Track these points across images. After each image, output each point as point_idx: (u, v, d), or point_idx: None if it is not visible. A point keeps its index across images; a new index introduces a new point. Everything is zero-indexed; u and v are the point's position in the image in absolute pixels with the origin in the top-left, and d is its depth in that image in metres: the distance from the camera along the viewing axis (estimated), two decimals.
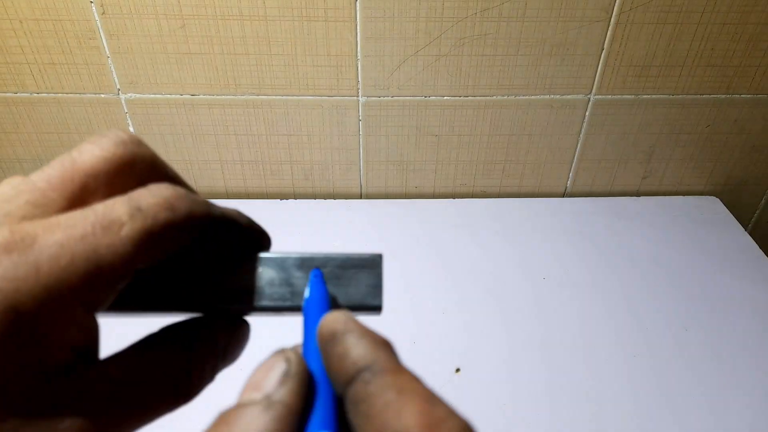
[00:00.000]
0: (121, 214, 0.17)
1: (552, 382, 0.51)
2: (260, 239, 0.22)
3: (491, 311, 0.58)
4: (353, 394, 0.16)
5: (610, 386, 0.51)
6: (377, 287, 0.22)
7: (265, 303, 0.21)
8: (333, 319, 0.18)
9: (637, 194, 0.76)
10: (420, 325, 0.56)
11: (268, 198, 0.75)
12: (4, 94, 0.66)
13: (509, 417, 0.48)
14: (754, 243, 0.67)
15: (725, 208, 0.73)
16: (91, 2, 0.59)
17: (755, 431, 0.47)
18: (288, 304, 0.21)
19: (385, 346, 0.17)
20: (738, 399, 0.50)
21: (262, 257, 0.21)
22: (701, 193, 0.76)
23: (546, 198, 0.74)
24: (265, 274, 0.21)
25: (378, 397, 0.15)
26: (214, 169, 0.72)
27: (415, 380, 0.16)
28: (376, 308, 0.22)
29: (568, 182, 0.75)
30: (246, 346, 0.21)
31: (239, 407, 0.16)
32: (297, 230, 0.68)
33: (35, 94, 0.66)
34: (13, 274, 0.15)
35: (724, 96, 0.67)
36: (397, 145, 0.71)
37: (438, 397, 0.16)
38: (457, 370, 0.52)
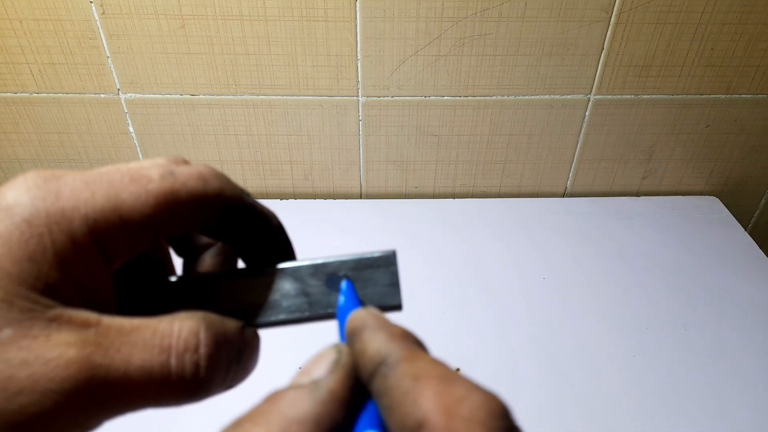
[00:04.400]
0: (153, 173, 0.18)
1: (552, 382, 0.51)
2: (285, 248, 0.22)
3: (491, 311, 0.58)
4: (375, 390, 0.16)
5: (610, 386, 0.51)
6: (395, 285, 0.21)
7: (282, 317, 0.21)
8: (353, 317, 0.18)
9: (637, 194, 0.76)
10: (420, 325, 0.56)
11: (267, 198, 0.75)
12: (4, 94, 0.66)
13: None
14: (754, 243, 0.67)
15: (725, 208, 0.73)
16: (91, 2, 0.59)
17: (755, 430, 0.47)
18: (306, 314, 0.21)
19: (401, 336, 0.17)
20: (738, 398, 0.50)
21: (277, 269, 0.21)
22: (701, 193, 0.76)
23: (546, 198, 0.74)
24: (281, 287, 0.21)
25: (396, 389, 0.15)
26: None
27: (432, 363, 0.16)
28: (396, 307, 0.21)
29: (568, 182, 0.75)
30: (258, 360, 0.21)
31: (287, 389, 0.16)
32: (297, 230, 0.67)
33: (35, 94, 0.66)
34: (33, 194, 0.16)
35: (723, 96, 0.67)
36: (397, 145, 0.70)
37: (456, 375, 0.15)
38: (457, 369, 0.52)
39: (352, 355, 0.18)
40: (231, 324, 0.19)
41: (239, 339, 0.19)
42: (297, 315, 0.21)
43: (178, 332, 0.17)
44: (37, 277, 0.15)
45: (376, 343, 0.17)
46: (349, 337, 0.18)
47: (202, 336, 0.17)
